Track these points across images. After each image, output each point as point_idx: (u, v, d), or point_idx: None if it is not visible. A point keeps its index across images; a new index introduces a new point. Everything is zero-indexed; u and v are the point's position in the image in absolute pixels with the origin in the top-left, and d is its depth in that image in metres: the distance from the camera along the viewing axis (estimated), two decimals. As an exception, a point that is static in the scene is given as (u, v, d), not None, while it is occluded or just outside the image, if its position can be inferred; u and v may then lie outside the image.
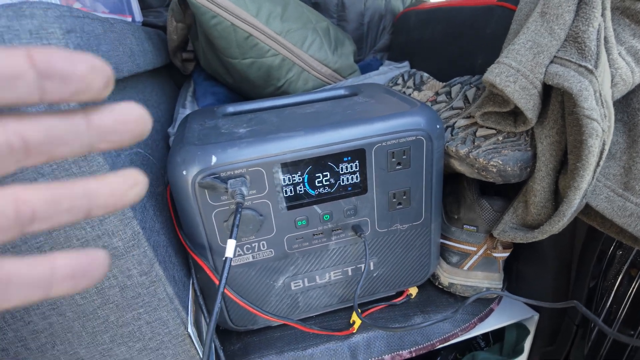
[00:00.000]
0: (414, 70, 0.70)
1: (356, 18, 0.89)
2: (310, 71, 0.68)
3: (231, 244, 0.35)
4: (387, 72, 0.75)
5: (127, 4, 0.66)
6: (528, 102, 0.42)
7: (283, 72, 0.67)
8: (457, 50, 0.67)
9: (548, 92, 0.43)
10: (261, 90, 0.70)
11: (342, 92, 0.60)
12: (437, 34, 0.73)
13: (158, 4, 0.85)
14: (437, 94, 0.60)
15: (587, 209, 0.45)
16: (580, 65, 0.39)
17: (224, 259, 0.34)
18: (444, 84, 0.62)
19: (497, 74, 0.42)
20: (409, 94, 0.65)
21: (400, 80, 0.70)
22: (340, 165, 0.44)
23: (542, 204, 0.45)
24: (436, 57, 0.73)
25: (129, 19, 0.67)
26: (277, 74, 0.67)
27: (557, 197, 0.46)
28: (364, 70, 0.81)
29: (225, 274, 0.33)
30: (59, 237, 0.34)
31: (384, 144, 0.44)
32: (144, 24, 0.77)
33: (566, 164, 0.44)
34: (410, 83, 0.67)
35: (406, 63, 0.79)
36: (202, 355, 0.30)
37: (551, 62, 0.41)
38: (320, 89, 0.69)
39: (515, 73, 0.41)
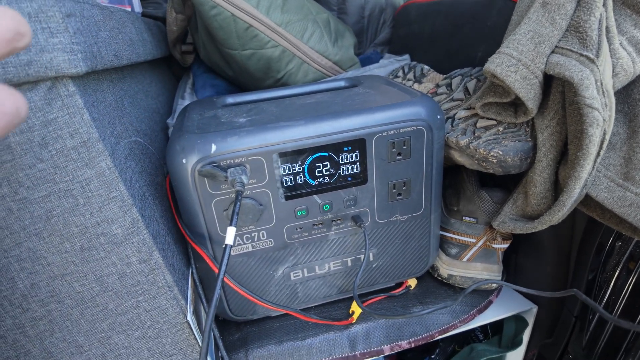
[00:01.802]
0: (414, 62, 0.69)
1: (356, 11, 0.88)
2: (310, 63, 0.68)
3: (231, 231, 0.35)
4: (387, 65, 0.75)
5: (126, -6, 0.65)
6: (529, 92, 0.42)
7: (283, 64, 0.67)
8: (457, 42, 0.67)
9: (549, 82, 0.43)
10: (261, 83, 0.70)
11: (342, 83, 0.59)
12: (437, 26, 0.72)
13: (157, -5, 0.84)
14: (437, 86, 0.60)
15: (587, 200, 0.45)
16: (581, 55, 0.38)
17: (223, 246, 0.34)
18: (445, 76, 0.61)
19: (498, 64, 0.42)
20: (409, 86, 0.65)
21: (400, 73, 0.69)
22: (341, 155, 0.44)
23: (542, 195, 0.45)
24: (437, 50, 0.73)
25: (128, 9, 0.66)
26: (276, 65, 0.66)
27: (557, 188, 0.46)
28: (364, 63, 0.80)
29: (225, 261, 0.33)
30: (58, 223, 0.33)
31: (384, 134, 0.44)
32: (144, 15, 0.76)
33: (566, 154, 0.44)
34: (410, 75, 0.67)
35: (407, 56, 0.78)
36: (202, 342, 0.30)
37: (552, 52, 0.41)
38: (320, 81, 0.69)
39: (516, 63, 0.41)
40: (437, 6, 0.74)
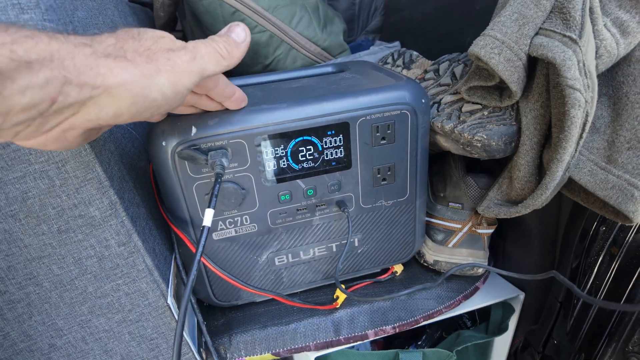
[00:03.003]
0: (403, 49, 0.69)
1: (347, -2, 0.87)
2: (298, 49, 0.67)
3: (209, 214, 0.34)
4: (377, 51, 0.74)
5: (111, -22, 0.64)
6: (512, 75, 0.41)
7: (271, 50, 0.66)
8: (447, 28, 0.66)
9: (533, 65, 0.43)
10: (248, 69, 0.69)
11: (329, 69, 0.59)
12: (428, 12, 0.72)
13: (145, -20, 0.83)
14: (425, 71, 0.60)
15: (571, 184, 0.45)
16: (564, 36, 0.38)
17: (201, 227, 0.33)
18: (433, 61, 0.61)
19: (482, 46, 0.41)
20: (398, 72, 0.64)
21: (390, 59, 0.69)
22: (324, 139, 0.44)
23: (526, 179, 0.45)
24: (427, 36, 0.72)
25: (114, -6, 0.65)
26: (264, 51, 0.66)
27: (540, 172, 0.45)
28: (355, 50, 0.80)
29: (202, 242, 0.33)
30: (34, 204, 0.33)
31: (368, 117, 0.44)
32: (131, 0, 0.75)
33: (550, 138, 0.43)
34: (399, 62, 0.66)
35: (397, 43, 0.78)
36: (177, 318, 0.30)
37: (536, 33, 0.41)
38: (307, 67, 0.69)
39: (500, 45, 0.41)
40: (427, -8, 0.74)
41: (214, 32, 0.63)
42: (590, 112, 0.38)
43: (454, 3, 0.64)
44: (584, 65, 0.37)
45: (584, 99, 0.37)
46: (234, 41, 0.31)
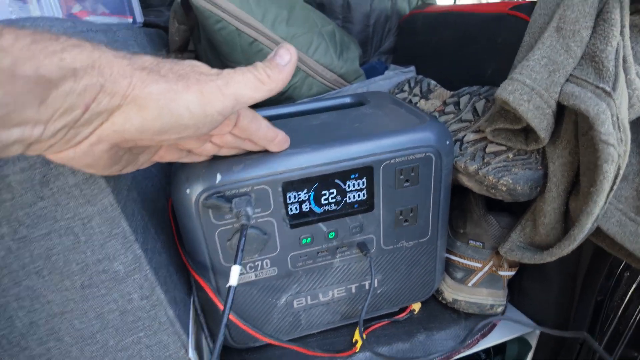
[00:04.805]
0: (420, 76, 0.68)
1: (362, 20, 0.87)
2: (315, 76, 0.67)
3: (235, 270, 0.34)
4: (392, 77, 0.74)
5: (127, 4, 0.64)
6: (542, 122, 0.41)
7: (287, 78, 0.65)
8: (466, 57, 0.65)
9: (561, 110, 0.42)
10: (264, 95, 0.69)
11: (348, 100, 0.58)
12: (445, 39, 0.71)
13: (159, 3, 0.82)
14: (444, 103, 0.59)
15: (597, 231, 0.44)
16: (597, 87, 0.37)
17: (227, 286, 0.33)
18: (452, 93, 0.60)
19: (511, 92, 0.41)
20: (415, 102, 0.64)
21: (406, 87, 0.68)
22: (348, 183, 0.43)
23: (552, 225, 0.44)
24: (443, 63, 0.71)
25: (130, 20, 0.65)
26: (280, 79, 0.65)
27: (566, 219, 0.45)
28: (369, 73, 0.79)
29: (229, 302, 0.32)
30: (58, 261, 0.32)
31: (392, 161, 0.43)
32: (145, 23, 0.74)
33: (577, 185, 0.43)
34: (416, 90, 0.66)
35: (412, 68, 0.77)
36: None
37: (567, 80, 0.40)
38: (325, 95, 0.68)
39: (529, 91, 0.40)
40: (445, 18, 0.73)
41: (231, 61, 0.63)
42: (622, 165, 0.38)
43: (473, 33, 0.63)
44: (617, 118, 0.37)
45: (617, 154, 0.36)
46: (276, 64, 0.29)
